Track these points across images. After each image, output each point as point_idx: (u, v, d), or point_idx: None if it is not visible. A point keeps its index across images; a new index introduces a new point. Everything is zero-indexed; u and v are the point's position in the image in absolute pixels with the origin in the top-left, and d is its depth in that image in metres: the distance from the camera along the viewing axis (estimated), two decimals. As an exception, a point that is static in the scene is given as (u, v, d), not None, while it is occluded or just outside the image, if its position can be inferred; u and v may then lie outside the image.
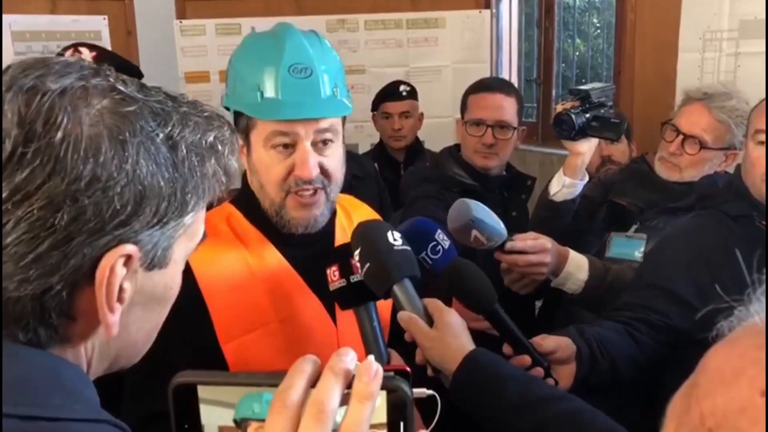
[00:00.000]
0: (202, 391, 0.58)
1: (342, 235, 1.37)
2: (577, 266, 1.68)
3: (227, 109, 1.30)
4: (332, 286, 1.20)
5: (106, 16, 3.36)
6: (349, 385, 0.56)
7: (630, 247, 1.88)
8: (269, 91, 1.22)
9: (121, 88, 0.65)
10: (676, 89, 2.81)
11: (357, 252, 1.16)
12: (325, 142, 1.24)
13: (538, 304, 2.27)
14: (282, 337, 1.24)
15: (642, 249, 1.83)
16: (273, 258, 1.28)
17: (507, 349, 1.27)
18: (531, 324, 2.04)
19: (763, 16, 2.63)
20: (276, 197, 1.25)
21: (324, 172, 1.24)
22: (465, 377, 1.12)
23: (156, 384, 0.66)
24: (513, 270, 1.66)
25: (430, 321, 1.16)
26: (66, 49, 2.35)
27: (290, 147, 1.22)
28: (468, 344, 1.15)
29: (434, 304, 1.18)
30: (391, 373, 0.60)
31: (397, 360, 1.23)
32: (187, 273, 1.14)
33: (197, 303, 1.19)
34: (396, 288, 1.14)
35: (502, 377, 1.12)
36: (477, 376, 1.12)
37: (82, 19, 3.30)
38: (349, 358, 0.56)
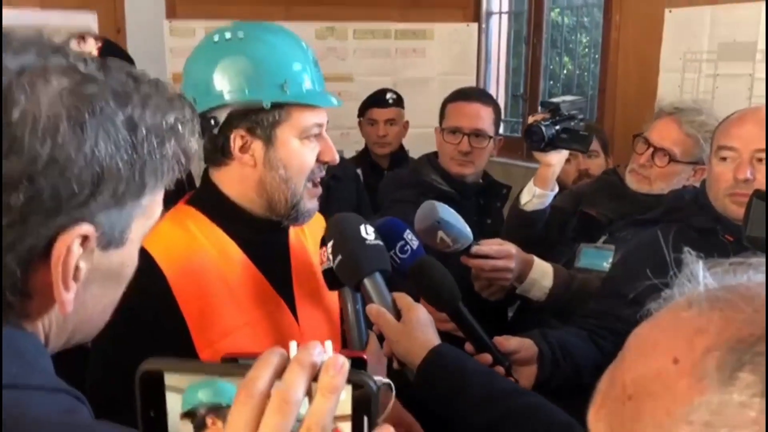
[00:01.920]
0: (169, 379, 0.58)
1: (295, 236, 1.39)
2: (542, 273, 1.71)
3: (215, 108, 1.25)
4: (323, 266, 1.23)
5: (95, 12, 3.37)
6: (315, 378, 0.56)
7: (599, 258, 1.91)
8: (308, 83, 1.26)
9: (81, 68, 0.64)
10: (657, 107, 2.85)
11: (330, 243, 1.19)
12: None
13: (512, 311, 2.30)
14: (255, 340, 1.25)
15: (610, 260, 1.86)
16: (239, 259, 1.28)
17: (469, 347, 1.29)
18: (503, 330, 2.05)
19: (742, 40, 2.69)
20: (300, 187, 1.26)
21: None
22: (429, 370, 1.14)
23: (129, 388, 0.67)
24: (481, 276, 1.69)
25: (398, 315, 1.19)
26: (72, 37, 2.34)
27: (316, 137, 1.27)
28: (434, 339, 1.17)
29: (403, 298, 1.21)
30: (361, 371, 0.60)
31: (374, 344, 1.26)
32: (162, 282, 1.15)
33: (173, 311, 1.17)
34: (366, 281, 1.17)
35: (466, 371, 1.14)
36: (441, 370, 1.14)
37: (72, 15, 3.31)
38: (316, 351, 0.57)
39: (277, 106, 1.22)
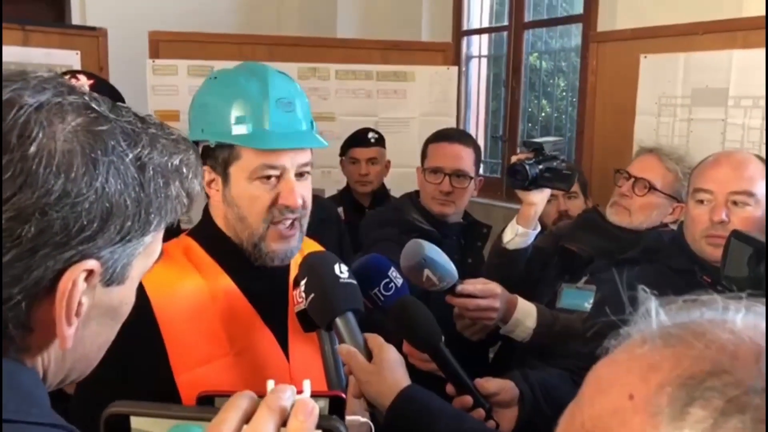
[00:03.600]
0: (135, 422, 0.58)
1: (296, 270, 1.38)
2: (526, 314, 1.71)
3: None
4: (297, 308, 1.22)
5: (78, 51, 3.37)
6: (285, 423, 0.56)
7: (580, 298, 1.92)
8: (258, 123, 1.26)
9: (95, 106, 0.67)
10: (633, 149, 2.91)
11: (303, 282, 1.18)
12: (302, 174, 1.28)
13: (493, 351, 2.29)
14: (237, 371, 1.24)
15: (591, 300, 1.88)
16: (229, 290, 1.28)
17: (450, 389, 1.28)
18: (484, 370, 2.05)
19: (714, 86, 2.76)
20: (258, 228, 1.26)
21: (303, 202, 1.28)
22: (398, 413, 1.12)
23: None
24: (465, 316, 1.69)
25: (369, 355, 1.17)
26: (65, 74, 2.37)
27: (274, 178, 1.25)
28: (403, 380, 1.16)
29: (374, 339, 1.19)
30: (349, 419, 0.60)
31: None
32: (143, 302, 1.15)
33: (152, 333, 1.18)
34: (338, 320, 1.15)
35: (433, 412, 1.13)
36: (410, 411, 1.12)
37: (55, 53, 3.31)
38: (286, 395, 0.57)
39: (227, 145, 1.26)
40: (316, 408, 0.57)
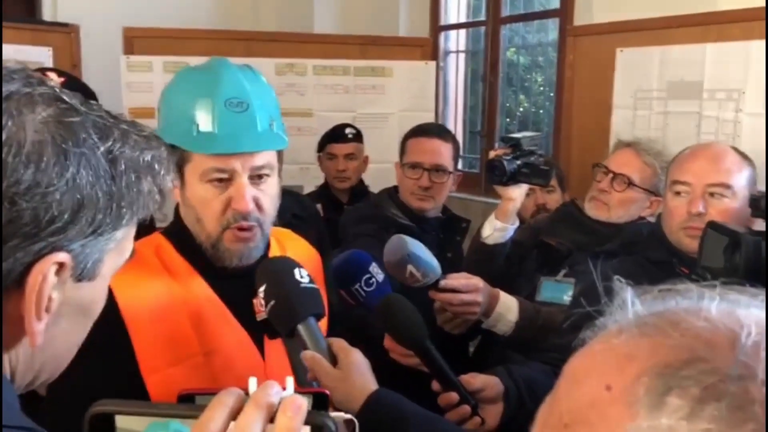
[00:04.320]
0: (120, 421, 0.57)
1: None
2: (508, 308, 1.72)
3: None
4: (259, 317, 1.19)
5: (50, 48, 3.32)
6: (272, 419, 0.55)
7: (559, 291, 1.93)
8: (205, 125, 1.22)
9: (66, 98, 0.66)
10: (610, 143, 2.94)
11: (262, 289, 1.15)
12: (260, 176, 1.24)
13: (473, 345, 2.30)
14: (208, 371, 1.22)
15: (570, 293, 1.89)
16: (200, 290, 1.27)
17: (435, 385, 1.28)
18: (465, 364, 2.05)
19: (689, 79, 2.79)
20: (213, 231, 1.24)
21: (258, 206, 1.24)
22: (368, 417, 1.10)
23: (75, 412, 0.65)
24: (446, 309, 1.68)
25: (334, 360, 1.15)
26: (35, 71, 2.31)
27: (225, 181, 1.22)
28: (371, 384, 1.14)
29: (338, 343, 1.17)
30: (320, 411, 0.59)
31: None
32: (110, 302, 1.13)
33: (120, 333, 1.16)
34: (300, 327, 1.13)
35: (405, 416, 1.11)
36: (380, 416, 1.10)
37: (26, 50, 3.26)
38: (273, 391, 0.57)
39: (178, 147, 1.23)
40: (304, 404, 0.56)
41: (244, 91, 1.25)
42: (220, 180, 1.22)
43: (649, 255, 1.67)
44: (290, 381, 0.64)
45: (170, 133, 1.24)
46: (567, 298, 1.88)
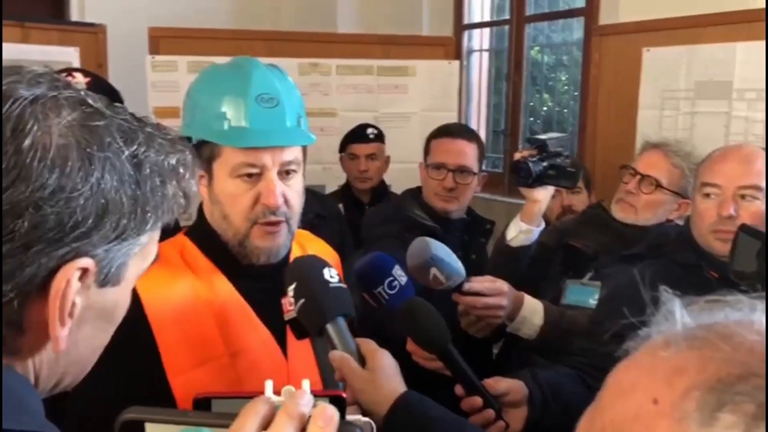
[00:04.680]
0: (150, 429, 0.57)
1: None
2: (533, 311, 1.70)
3: (187, 140, 1.30)
4: (287, 316, 1.19)
5: (77, 48, 3.36)
6: (303, 429, 0.55)
7: (585, 294, 1.91)
8: (236, 120, 1.23)
9: (91, 102, 0.65)
10: (636, 144, 2.90)
11: (291, 288, 1.15)
12: (288, 172, 1.25)
13: (496, 348, 2.28)
14: (233, 372, 1.22)
15: (596, 296, 1.86)
16: (224, 290, 1.27)
17: (459, 389, 1.26)
18: (488, 367, 2.04)
19: (718, 79, 2.75)
20: (241, 227, 1.24)
21: (286, 202, 1.25)
22: (396, 421, 1.09)
23: (101, 414, 0.65)
24: (470, 312, 1.67)
25: (362, 361, 1.14)
26: (61, 71, 2.36)
27: (255, 177, 1.23)
28: (400, 387, 1.13)
29: (367, 344, 1.16)
30: (349, 419, 0.59)
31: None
32: (135, 303, 1.13)
33: (145, 334, 1.16)
34: (329, 326, 1.12)
35: (431, 419, 1.10)
36: (407, 419, 1.09)
37: (53, 50, 3.29)
38: (304, 401, 0.56)
39: (209, 142, 1.24)
40: (336, 414, 0.56)
41: (274, 87, 1.27)
42: (250, 175, 1.22)
43: (676, 258, 1.64)
44: (306, 383, 0.63)
45: (200, 129, 1.26)
46: (593, 301, 1.85)
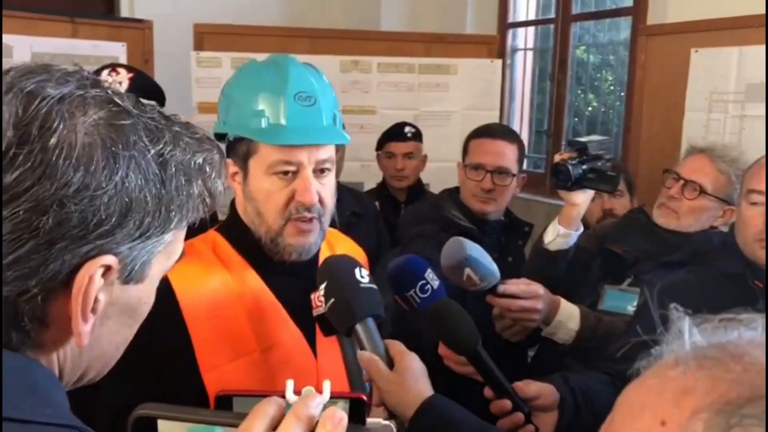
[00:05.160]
0: (162, 425, 0.58)
1: None
2: (569, 316, 1.68)
3: (219, 137, 1.30)
4: (316, 311, 1.19)
5: (125, 44, 3.42)
6: (312, 431, 0.55)
7: (623, 301, 1.87)
8: (274, 118, 1.24)
9: (118, 101, 0.66)
10: (682, 147, 2.83)
11: (322, 286, 1.16)
12: (323, 170, 1.26)
13: (531, 352, 2.26)
14: (264, 368, 1.23)
15: (635, 303, 1.83)
16: (255, 286, 1.28)
17: (488, 392, 1.25)
18: (522, 372, 2.02)
19: (770, 81, 2.66)
20: (275, 224, 1.25)
21: (320, 200, 1.26)
22: (421, 423, 1.09)
23: (133, 406, 0.66)
24: (505, 315, 1.65)
25: (390, 363, 1.14)
26: (104, 67, 2.42)
27: (290, 174, 1.24)
28: (426, 390, 1.13)
29: (395, 346, 1.16)
30: (371, 422, 0.59)
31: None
32: (170, 298, 1.16)
33: (179, 329, 1.18)
34: (358, 327, 1.12)
35: (457, 423, 1.10)
36: (432, 422, 1.09)
37: (102, 45, 3.37)
38: (314, 403, 0.57)
39: (246, 139, 1.25)
40: (344, 418, 0.56)
41: (312, 86, 1.28)
42: (286, 173, 1.23)
43: (719, 267, 1.60)
44: (327, 385, 0.64)
45: (236, 126, 1.27)
46: (631, 308, 1.82)
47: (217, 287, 1.24)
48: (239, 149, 1.26)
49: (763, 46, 2.67)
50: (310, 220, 1.25)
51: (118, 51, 3.39)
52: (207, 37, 3.54)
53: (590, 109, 4.42)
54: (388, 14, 4.75)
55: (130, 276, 0.67)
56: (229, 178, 1.28)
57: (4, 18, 3.12)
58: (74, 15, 3.37)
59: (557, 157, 1.89)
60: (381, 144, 3.19)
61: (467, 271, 1.46)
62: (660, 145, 3.10)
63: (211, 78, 3.40)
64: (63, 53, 3.17)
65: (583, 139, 1.93)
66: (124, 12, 4.42)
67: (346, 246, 1.45)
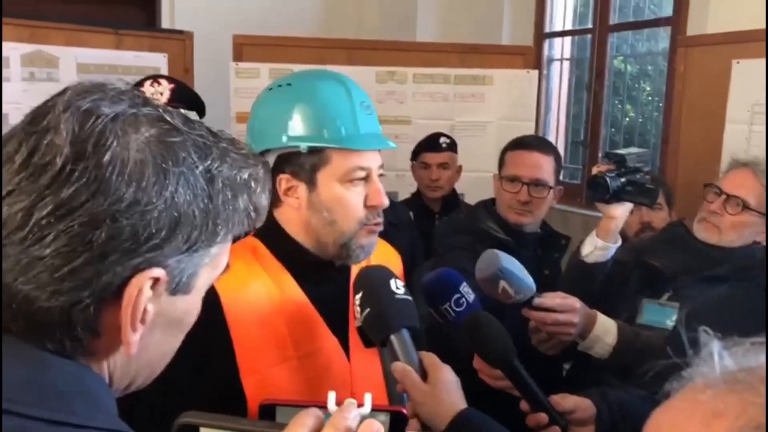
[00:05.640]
0: None
1: None
2: (606, 330, 1.65)
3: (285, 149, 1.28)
4: (356, 322, 1.21)
5: (166, 54, 3.50)
6: None
7: (662, 315, 1.84)
8: (351, 125, 1.26)
9: (168, 119, 0.68)
10: (722, 160, 2.78)
11: (358, 296, 1.17)
12: (380, 175, 1.30)
13: (566, 366, 2.23)
14: (302, 374, 1.25)
15: (674, 317, 1.80)
16: (294, 292, 1.29)
17: (524, 405, 1.25)
18: (558, 386, 2.00)
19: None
20: (350, 230, 1.27)
21: None
22: None
23: (174, 409, 0.68)
24: (541, 329, 1.64)
25: (424, 374, 1.14)
26: (147, 78, 2.49)
27: (362, 180, 1.26)
28: (460, 403, 1.13)
29: (430, 358, 1.17)
30: None
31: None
32: (214, 302, 1.17)
33: (222, 334, 1.19)
34: (393, 337, 1.13)
35: None
36: None
37: (144, 56, 3.44)
38: (352, 414, 0.58)
39: (316, 150, 1.25)
40: (381, 430, 0.56)
41: (367, 95, 1.32)
42: (359, 179, 1.26)
43: (762, 282, 1.56)
44: (368, 397, 0.64)
45: (312, 137, 1.26)
46: (670, 323, 1.79)
47: (259, 293, 1.26)
48: (305, 162, 1.26)
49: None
50: (379, 223, 1.29)
51: (159, 62, 3.46)
52: (246, 48, 3.59)
53: (627, 119, 4.37)
54: (423, 25, 4.76)
55: (177, 288, 0.69)
56: (282, 194, 1.28)
57: (51, 31, 3.23)
58: (118, 27, 3.46)
59: (595, 170, 1.87)
60: (416, 154, 3.20)
61: (502, 283, 1.45)
62: (699, 158, 3.05)
63: (249, 88, 3.44)
64: (107, 64, 3.26)
65: (621, 152, 1.91)
66: (165, 24, 4.52)
67: (382, 250, 1.46)
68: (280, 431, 0.57)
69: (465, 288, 1.28)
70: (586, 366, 1.99)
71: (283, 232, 1.32)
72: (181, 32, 3.67)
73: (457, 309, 1.27)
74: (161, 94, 2.39)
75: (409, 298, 1.18)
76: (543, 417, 1.22)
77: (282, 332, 1.25)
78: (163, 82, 2.45)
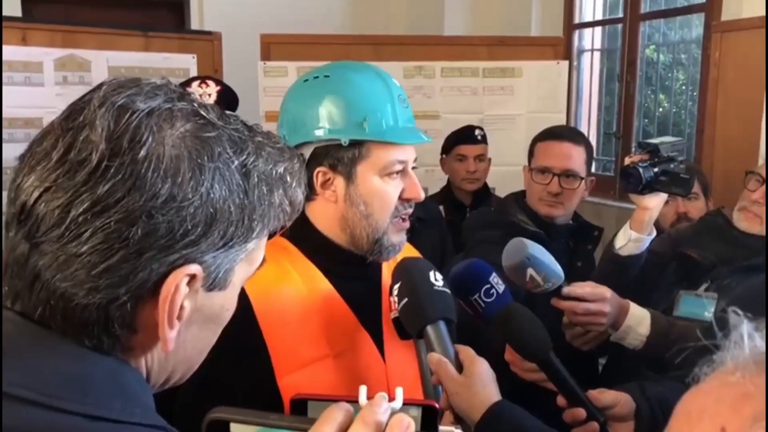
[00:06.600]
0: (235, 429, 0.59)
1: (388, 272, 1.36)
2: (639, 320, 1.62)
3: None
4: (392, 314, 1.21)
5: (195, 55, 3.54)
6: None
7: (700, 307, 1.80)
8: (391, 119, 1.25)
9: (203, 113, 0.68)
10: (761, 148, 2.71)
11: (397, 286, 1.17)
12: (414, 168, 1.29)
13: (602, 361, 2.20)
14: (337, 373, 1.24)
15: (712, 309, 1.75)
16: (326, 290, 1.29)
17: (561, 400, 1.23)
18: (594, 381, 1.97)
19: None
20: (383, 224, 1.26)
21: None
22: (488, 428, 1.09)
23: (208, 409, 0.68)
24: (573, 321, 1.61)
25: (459, 367, 1.14)
26: (194, 79, 2.54)
27: (399, 173, 1.26)
28: (494, 395, 1.12)
29: (465, 351, 1.17)
30: (442, 430, 0.59)
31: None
32: (245, 304, 1.17)
33: (255, 335, 1.19)
34: (429, 328, 1.13)
35: (525, 430, 1.09)
36: (499, 427, 1.09)
37: (173, 57, 3.49)
38: (382, 408, 0.57)
39: (356, 143, 1.23)
40: (412, 424, 0.56)
41: (402, 88, 1.31)
42: (397, 172, 1.25)
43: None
44: (399, 392, 0.64)
45: (347, 130, 1.24)
46: (708, 315, 1.74)
47: (290, 292, 1.25)
48: (343, 155, 1.24)
49: None
50: (409, 215, 1.28)
51: (188, 62, 3.50)
52: (273, 47, 3.61)
53: (661, 109, 4.29)
54: (451, 19, 4.74)
55: (213, 284, 0.68)
56: (318, 187, 1.26)
57: (83, 35, 3.29)
58: (147, 29, 3.50)
59: (627, 160, 1.83)
60: (449, 148, 3.17)
61: (530, 271, 1.42)
62: (736, 146, 2.98)
63: (277, 87, 3.46)
64: (137, 66, 3.31)
65: (654, 141, 1.86)
66: (194, 24, 4.57)
67: (406, 251, 1.45)
68: (309, 425, 0.57)
69: (494, 278, 1.27)
70: (620, 361, 1.95)
71: (312, 228, 1.31)
72: (209, 33, 3.71)
73: (487, 300, 1.25)
74: (209, 95, 2.45)
75: (447, 291, 1.18)
76: (581, 412, 1.20)
77: (316, 330, 1.24)
78: (211, 83, 2.51)
